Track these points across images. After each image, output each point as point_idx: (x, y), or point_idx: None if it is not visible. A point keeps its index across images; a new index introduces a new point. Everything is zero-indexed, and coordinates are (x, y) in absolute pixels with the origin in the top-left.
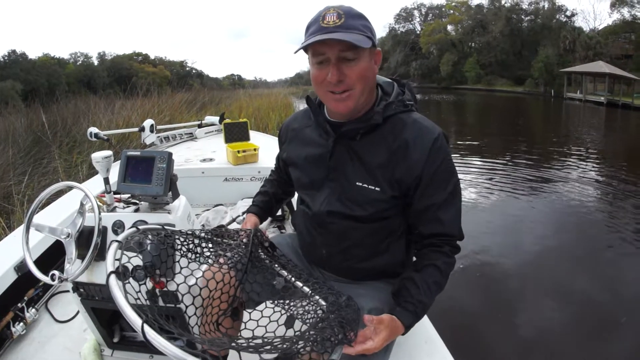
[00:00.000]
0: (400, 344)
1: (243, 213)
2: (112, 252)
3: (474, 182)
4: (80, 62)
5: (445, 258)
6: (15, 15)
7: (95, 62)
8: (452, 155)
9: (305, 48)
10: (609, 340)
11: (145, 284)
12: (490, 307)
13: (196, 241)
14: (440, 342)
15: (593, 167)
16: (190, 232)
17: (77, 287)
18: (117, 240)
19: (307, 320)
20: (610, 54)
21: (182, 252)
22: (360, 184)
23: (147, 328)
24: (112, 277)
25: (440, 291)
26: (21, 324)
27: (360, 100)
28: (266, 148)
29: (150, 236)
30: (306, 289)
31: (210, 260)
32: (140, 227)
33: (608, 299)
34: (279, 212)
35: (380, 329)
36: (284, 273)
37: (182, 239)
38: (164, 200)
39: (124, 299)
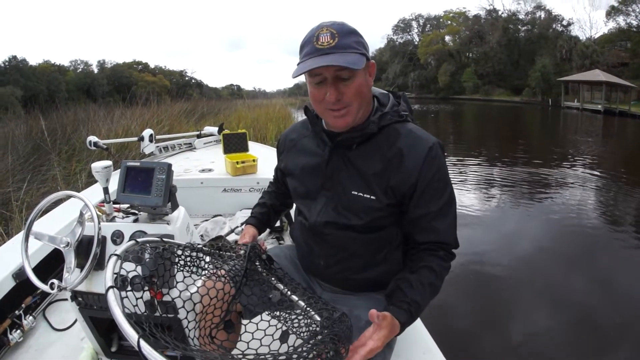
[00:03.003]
0: (398, 354)
1: (242, 224)
2: (111, 265)
3: (471, 189)
4: (80, 69)
5: (441, 261)
6: (16, 22)
7: (95, 70)
8: (450, 163)
9: None
10: (605, 346)
11: (142, 296)
12: (488, 316)
13: (194, 254)
14: (438, 352)
15: (590, 174)
16: (189, 245)
17: (76, 295)
18: (116, 254)
19: (301, 335)
20: (607, 62)
21: (179, 265)
22: (356, 193)
23: (143, 343)
24: (111, 292)
25: (435, 294)
26: (18, 331)
27: (358, 115)
28: (265, 159)
29: (149, 249)
30: (301, 303)
31: (206, 273)
32: (139, 239)
33: (603, 304)
34: (278, 224)
35: (383, 326)
36: (280, 286)
37: (179, 252)
38: (163, 211)
39: (122, 314)
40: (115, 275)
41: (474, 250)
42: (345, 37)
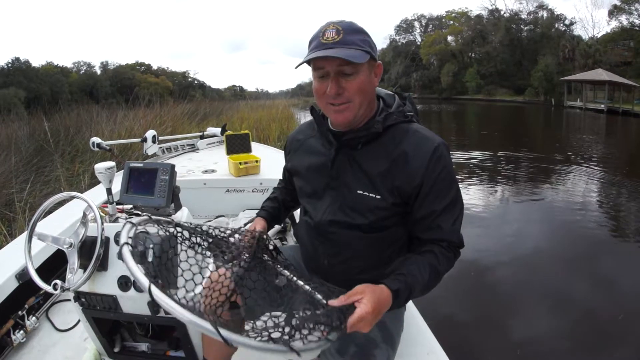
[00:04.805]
0: (401, 355)
1: (245, 224)
2: (126, 230)
3: (474, 188)
4: (83, 71)
5: (444, 250)
6: (19, 23)
7: (98, 72)
8: (453, 162)
9: (308, 62)
10: (609, 344)
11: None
12: (492, 315)
13: (199, 239)
14: (441, 353)
15: (594, 173)
16: (198, 229)
17: (79, 296)
18: (131, 222)
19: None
20: (610, 61)
21: (186, 245)
22: (361, 192)
23: (154, 289)
24: (125, 248)
25: (436, 277)
26: (21, 331)
27: (359, 112)
28: (268, 160)
29: (152, 248)
30: (307, 287)
31: (209, 253)
32: (152, 216)
33: (607, 303)
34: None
35: (359, 291)
36: (286, 273)
37: (188, 234)
38: (166, 212)
39: (135, 265)
40: (129, 238)
41: (478, 249)
42: (350, 34)
